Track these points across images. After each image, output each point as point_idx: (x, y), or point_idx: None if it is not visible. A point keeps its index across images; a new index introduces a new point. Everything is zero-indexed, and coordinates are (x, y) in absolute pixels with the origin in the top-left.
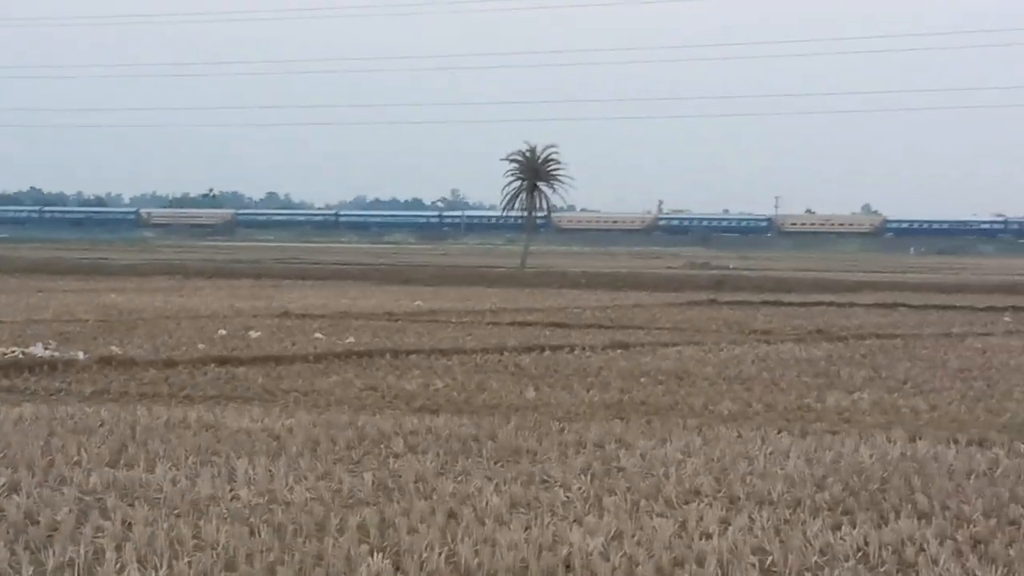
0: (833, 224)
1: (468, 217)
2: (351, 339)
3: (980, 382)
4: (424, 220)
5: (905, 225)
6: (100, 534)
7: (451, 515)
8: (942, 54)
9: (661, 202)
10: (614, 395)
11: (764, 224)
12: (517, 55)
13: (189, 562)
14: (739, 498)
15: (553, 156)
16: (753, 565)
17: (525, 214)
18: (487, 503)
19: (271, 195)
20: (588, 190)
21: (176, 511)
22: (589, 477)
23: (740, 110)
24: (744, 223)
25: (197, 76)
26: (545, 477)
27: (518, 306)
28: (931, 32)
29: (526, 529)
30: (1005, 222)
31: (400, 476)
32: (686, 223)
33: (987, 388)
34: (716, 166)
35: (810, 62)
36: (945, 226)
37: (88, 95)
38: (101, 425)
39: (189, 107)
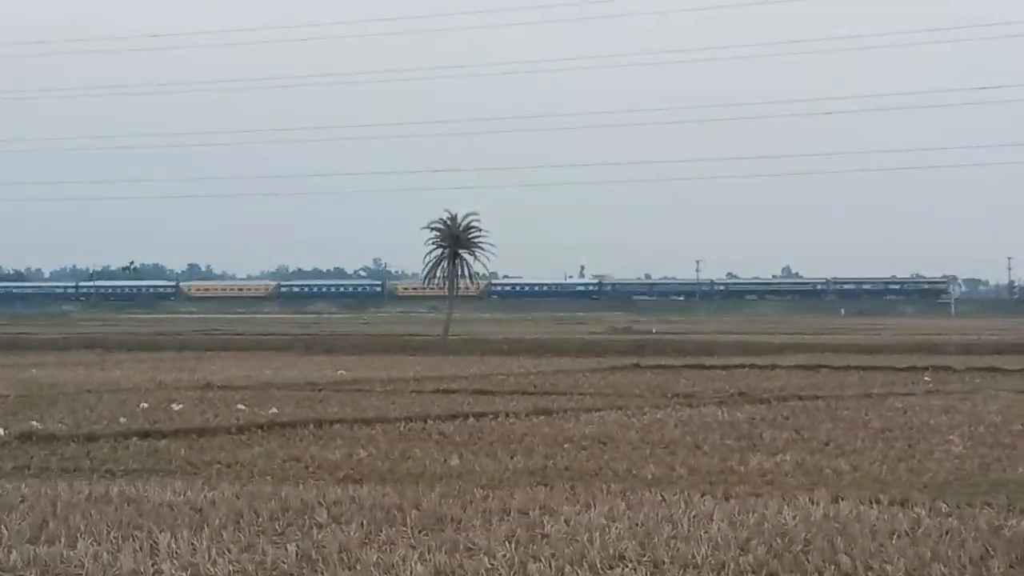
0: (232, 289)
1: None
2: (274, 410)
3: (901, 442)
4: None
5: (299, 289)
6: None
7: None
8: (862, 117)
9: (583, 267)
10: (538, 461)
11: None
12: (437, 124)
13: None
14: (664, 562)
15: (474, 224)
16: None
17: (447, 282)
18: (411, 572)
19: (192, 267)
20: (511, 257)
21: None
22: (513, 544)
23: (662, 175)
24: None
25: (114, 149)
26: (469, 545)
27: (442, 374)
28: (846, 95)
29: None
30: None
31: (324, 547)
32: (308, 289)
33: (908, 448)
34: (639, 231)
35: (732, 127)
36: (546, 288)
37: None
38: (21, 501)
39: (106, 180)
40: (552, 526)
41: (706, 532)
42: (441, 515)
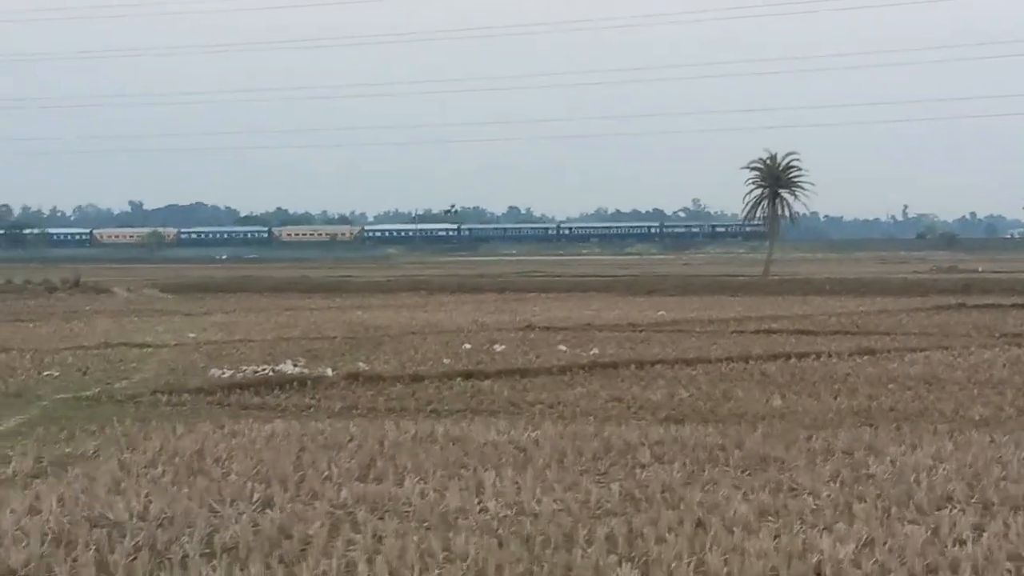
0: (314, 235)
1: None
2: (595, 351)
3: None
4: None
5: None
6: (352, 547)
7: (699, 524)
8: None
9: (906, 207)
10: (862, 401)
11: (265, 235)
12: (755, 62)
13: (439, 574)
14: (993, 504)
15: (794, 163)
16: (1009, 571)
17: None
18: (735, 512)
19: (512, 209)
20: (830, 195)
21: (426, 524)
22: (838, 484)
23: (978, 111)
24: (248, 233)
25: (429, 94)
26: (793, 485)
27: (762, 314)
28: None
29: (775, 537)
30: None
31: (647, 486)
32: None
33: None
34: (960, 169)
35: None
36: (410, 233)
37: (325, 115)
38: (350, 440)
39: (431, 124)
40: (877, 466)
41: None
42: (764, 455)
